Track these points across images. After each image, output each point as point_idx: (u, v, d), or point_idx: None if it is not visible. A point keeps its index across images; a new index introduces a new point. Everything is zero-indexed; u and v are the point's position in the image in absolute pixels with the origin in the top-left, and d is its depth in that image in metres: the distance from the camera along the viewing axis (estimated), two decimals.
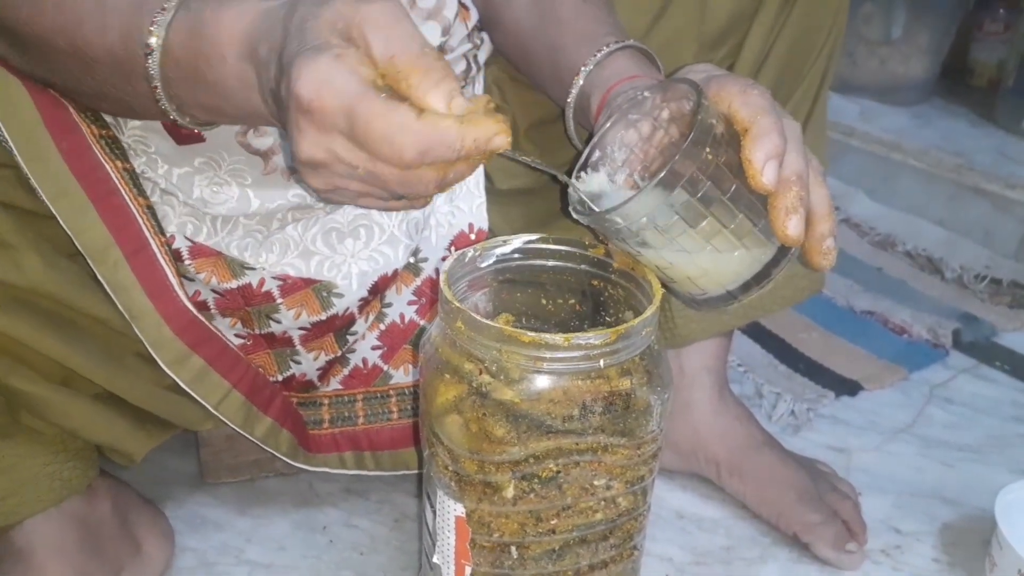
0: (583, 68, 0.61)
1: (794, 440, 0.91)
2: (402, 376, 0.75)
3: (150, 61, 0.49)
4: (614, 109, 0.57)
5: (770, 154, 0.49)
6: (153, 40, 0.49)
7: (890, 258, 1.31)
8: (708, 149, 0.49)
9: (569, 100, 0.63)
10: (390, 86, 0.44)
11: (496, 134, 0.44)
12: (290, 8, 0.46)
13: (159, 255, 0.62)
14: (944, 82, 1.63)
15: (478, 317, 0.51)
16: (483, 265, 0.58)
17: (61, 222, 0.58)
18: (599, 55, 0.61)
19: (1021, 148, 1.44)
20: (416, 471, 0.78)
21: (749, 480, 0.81)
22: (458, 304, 0.52)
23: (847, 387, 1.01)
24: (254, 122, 0.53)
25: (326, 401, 0.76)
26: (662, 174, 0.49)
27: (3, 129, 0.56)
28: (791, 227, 0.50)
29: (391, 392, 0.76)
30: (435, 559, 0.58)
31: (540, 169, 0.54)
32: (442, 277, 0.54)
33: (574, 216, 0.55)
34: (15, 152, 0.56)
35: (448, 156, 0.44)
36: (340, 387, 0.75)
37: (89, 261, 0.59)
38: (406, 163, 0.43)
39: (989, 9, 1.60)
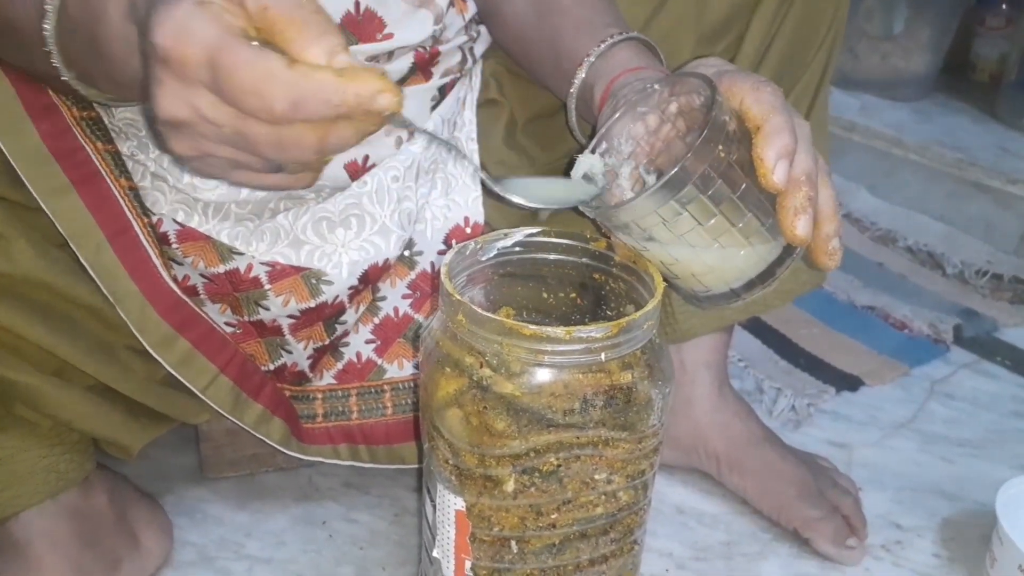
0: (586, 59, 0.61)
1: (794, 435, 0.91)
2: (396, 370, 0.75)
3: (46, 25, 0.46)
4: (620, 100, 0.57)
5: (781, 153, 0.49)
6: (48, 2, 0.46)
7: (891, 253, 1.30)
8: (721, 146, 0.49)
9: (572, 91, 0.62)
10: (265, 40, 0.40)
11: (380, 90, 0.39)
12: None
13: (142, 237, 0.62)
14: (945, 77, 1.62)
15: (479, 310, 0.51)
16: (484, 258, 0.58)
17: (41, 203, 0.58)
18: (602, 46, 0.60)
19: (1022, 144, 1.44)
20: (411, 465, 0.78)
21: (749, 475, 0.81)
22: (459, 297, 0.52)
23: (848, 382, 1.01)
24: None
25: (319, 395, 0.76)
26: (675, 170, 0.48)
27: None
28: (800, 227, 0.50)
29: (385, 387, 0.75)
30: (435, 553, 0.58)
31: (441, 140, 0.52)
32: (443, 270, 0.54)
33: (582, 209, 0.55)
34: None
35: (325, 112, 0.39)
36: (334, 381, 0.75)
37: (71, 244, 0.59)
38: (276, 116, 0.39)
39: (991, 4, 1.60)
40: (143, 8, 0.42)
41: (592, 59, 0.61)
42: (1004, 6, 1.59)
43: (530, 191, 0.53)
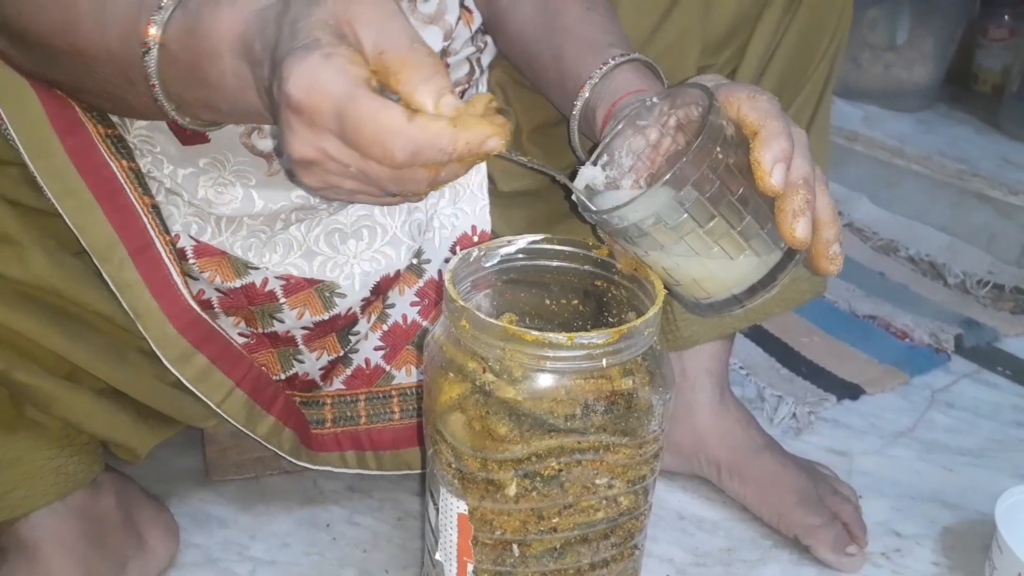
0: (589, 80, 0.61)
1: (795, 443, 0.92)
2: (404, 377, 0.76)
3: (148, 59, 0.49)
4: (621, 118, 0.58)
5: (778, 157, 0.50)
6: (150, 37, 0.48)
7: (892, 263, 1.31)
8: (719, 148, 0.50)
9: (574, 112, 0.63)
10: (381, 83, 0.44)
11: (489, 137, 0.43)
12: (284, 6, 0.45)
13: (164, 254, 0.63)
14: (948, 88, 1.63)
15: (482, 316, 0.51)
16: (487, 265, 0.59)
17: (67, 220, 0.59)
18: (604, 68, 0.61)
19: None
20: (418, 471, 0.79)
21: (750, 482, 0.81)
22: (463, 303, 0.52)
23: (849, 391, 1.01)
24: (253, 120, 0.53)
25: (329, 401, 0.76)
26: (674, 170, 0.49)
27: (10, 127, 0.56)
28: (799, 229, 0.51)
29: (393, 392, 0.76)
30: (437, 556, 0.59)
31: (538, 170, 0.54)
32: (447, 276, 0.55)
33: (584, 215, 0.55)
34: (22, 150, 0.56)
35: (439, 159, 0.43)
36: (343, 387, 0.76)
37: (94, 259, 0.60)
38: (397, 164, 0.43)
39: (994, 16, 1.60)
40: (259, 52, 0.45)
41: (595, 80, 0.61)
42: (1007, 17, 1.59)
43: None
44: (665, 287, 0.56)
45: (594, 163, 0.57)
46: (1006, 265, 1.29)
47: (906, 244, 1.33)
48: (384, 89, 0.44)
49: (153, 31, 0.48)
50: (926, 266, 1.29)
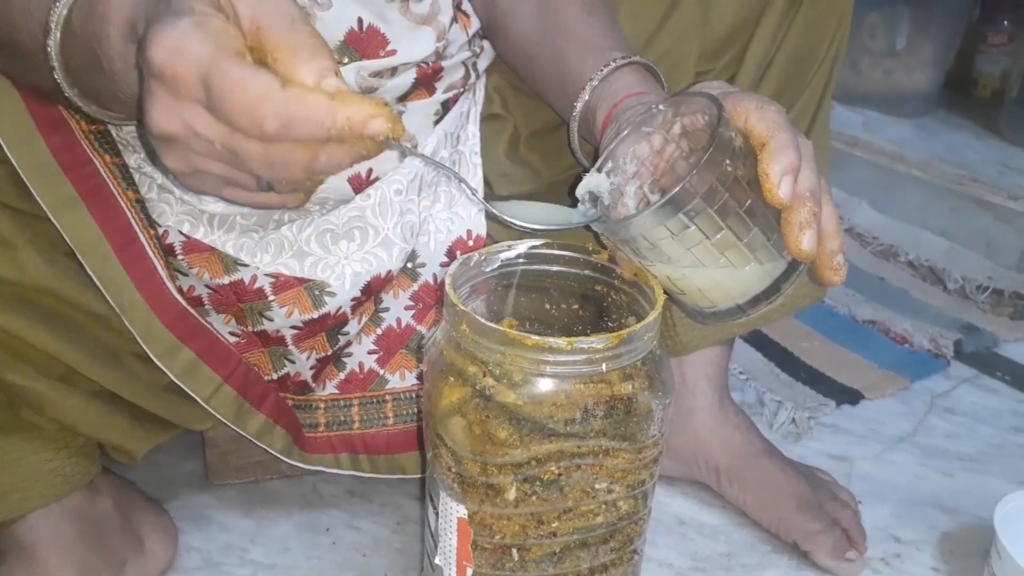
0: (589, 83, 0.62)
1: (795, 448, 0.92)
2: (398, 381, 0.76)
3: (50, 42, 0.47)
4: (624, 122, 0.58)
5: (786, 169, 0.50)
6: (53, 19, 0.46)
7: (892, 268, 1.31)
8: (728, 161, 0.50)
9: (574, 115, 0.63)
10: (259, 60, 0.41)
11: (373, 116, 0.40)
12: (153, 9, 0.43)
13: (148, 248, 0.63)
14: (948, 94, 1.63)
15: (482, 320, 0.51)
16: (487, 270, 0.59)
17: (50, 216, 0.59)
18: (605, 70, 0.61)
19: None
20: (412, 475, 0.79)
21: (749, 487, 0.81)
22: (463, 307, 0.53)
23: (848, 396, 1.01)
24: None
25: (322, 405, 0.76)
26: (684, 182, 0.49)
27: None
28: (805, 242, 0.51)
29: (387, 397, 0.76)
30: (437, 560, 0.59)
31: (441, 168, 0.52)
32: (447, 281, 0.55)
33: (591, 224, 0.55)
34: (5, 148, 0.57)
35: (316, 133, 0.40)
36: (336, 391, 0.76)
37: (78, 255, 0.60)
38: (267, 135, 0.39)
39: (993, 21, 1.61)
40: (142, 26, 0.42)
41: (595, 83, 0.61)
42: (1006, 23, 1.60)
43: (529, 214, 0.54)
44: (669, 296, 0.56)
45: (598, 169, 0.57)
46: (1005, 270, 1.29)
47: (906, 249, 1.34)
48: (260, 65, 0.41)
49: (55, 11, 0.46)
50: (926, 271, 1.29)
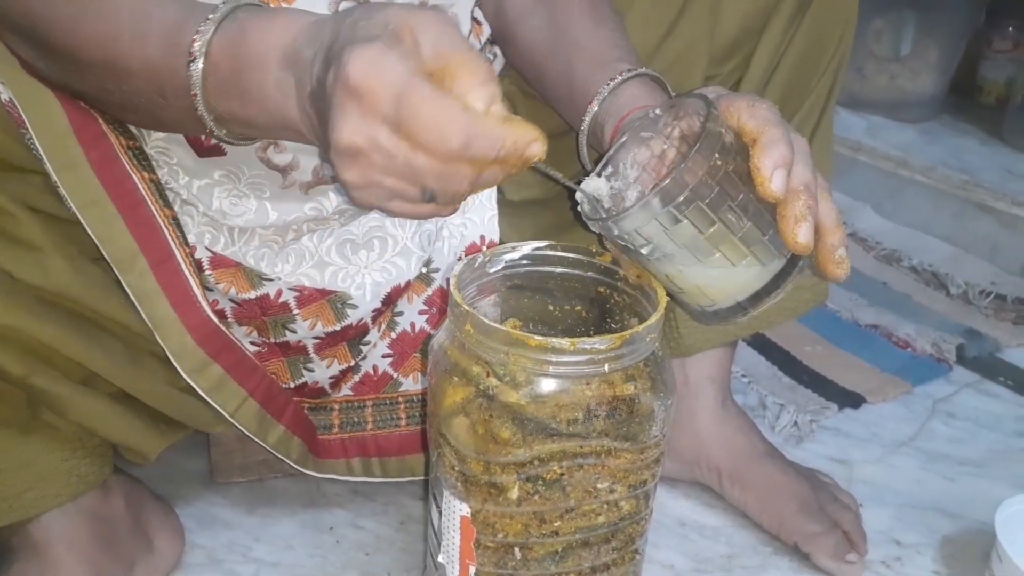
0: (597, 96, 0.62)
1: (796, 451, 0.92)
2: (411, 384, 0.76)
3: (192, 68, 0.49)
4: (623, 128, 0.59)
5: (778, 163, 0.50)
6: (197, 46, 0.49)
7: (895, 273, 1.31)
8: (717, 155, 0.50)
9: (583, 128, 0.64)
10: (437, 82, 0.45)
11: (535, 140, 0.45)
12: (343, 15, 0.47)
13: (183, 266, 0.63)
14: (953, 99, 1.63)
15: (487, 320, 0.52)
16: (492, 271, 0.59)
17: (89, 231, 0.59)
18: (612, 83, 0.61)
19: None
20: (422, 477, 0.79)
21: (751, 489, 0.82)
22: (467, 307, 0.53)
23: (850, 399, 1.01)
24: (284, 135, 0.53)
25: (336, 406, 0.77)
26: (671, 176, 0.50)
27: (34, 138, 0.57)
28: (800, 234, 0.51)
29: (400, 399, 0.77)
30: (440, 559, 0.59)
31: (565, 184, 0.54)
32: (452, 281, 0.55)
33: (587, 223, 0.56)
34: (46, 161, 0.57)
35: (488, 153, 0.44)
36: (351, 393, 0.77)
37: (115, 270, 0.60)
38: (450, 152, 0.44)
39: (998, 27, 1.61)
40: (309, 56, 0.46)
41: (603, 95, 0.62)
42: (1011, 29, 1.60)
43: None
44: (670, 295, 0.57)
45: (598, 174, 0.58)
46: (1009, 276, 1.29)
47: (909, 254, 1.34)
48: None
49: (200, 39, 0.49)
50: (929, 276, 1.30)
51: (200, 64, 0.49)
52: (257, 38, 0.48)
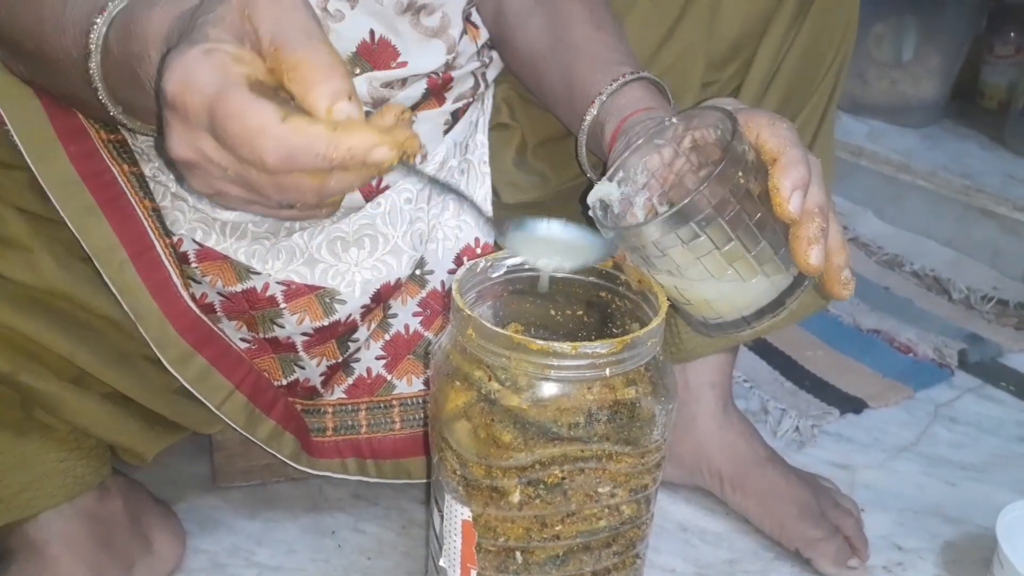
0: (598, 98, 0.62)
1: (798, 456, 0.92)
2: (405, 387, 0.76)
3: (91, 62, 0.48)
4: (635, 134, 0.59)
5: (797, 184, 0.51)
6: (92, 38, 0.47)
7: (897, 278, 1.31)
8: (740, 173, 0.51)
9: (583, 128, 0.64)
10: (280, 82, 0.41)
11: (375, 146, 0.40)
12: (199, 4, 0.43)
13: (163, 257, 0.64)
14: (954, 104, 1.63)
15: (488, 325, 0.52)
16: (494, 275, 0.59)
17: (68, 223, 0.60)
18: (614, 85, 0.62)
19: None
20: (417, 480, 0.79)
21: (752, 495, 0.82)
22: (469, 312, 0.53)
23: (852, 404, 1.01)
24: None
25: (330, 409, 0.77)
26: (697, 192, 0.50)
27: (12, 132, 0.57)
28: (813, 256, 0.51)
29: (394, 402, 0.77)
30: (441, 562, 0.60)
31: (450, 188, 0.52)
32: (454, 286, 0.56)
33: (601, 229, 0.56)
34: (25, 154, 0.58)
35: (317, 164, 0.40)
36: (344, 396, 0.77)
37: (95, 261, 0.61)
38: (270, 169, 0.40)
39: (1000, 32, 1.61)
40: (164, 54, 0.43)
41: (604, 97, 0.62)
42: (1013, 34, 1.60)
43: (537, 247, 0.54)
44: (675, 306, 0.57)
45: (609, 179, 0.58)
46: (1011, 281, 1.29)
47: (911, 259, 1.34)
48: (279, 89, 0.41)
49: (95, 31, 0.48)
50: (930, 281, 1.30)
51: (97, 56, 0.48)
52: (140, 29, 0.46)
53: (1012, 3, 1.60)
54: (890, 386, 1.05)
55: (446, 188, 0.52)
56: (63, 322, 0.62)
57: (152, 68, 0.45)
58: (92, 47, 0.48)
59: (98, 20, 0.47)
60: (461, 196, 0.53)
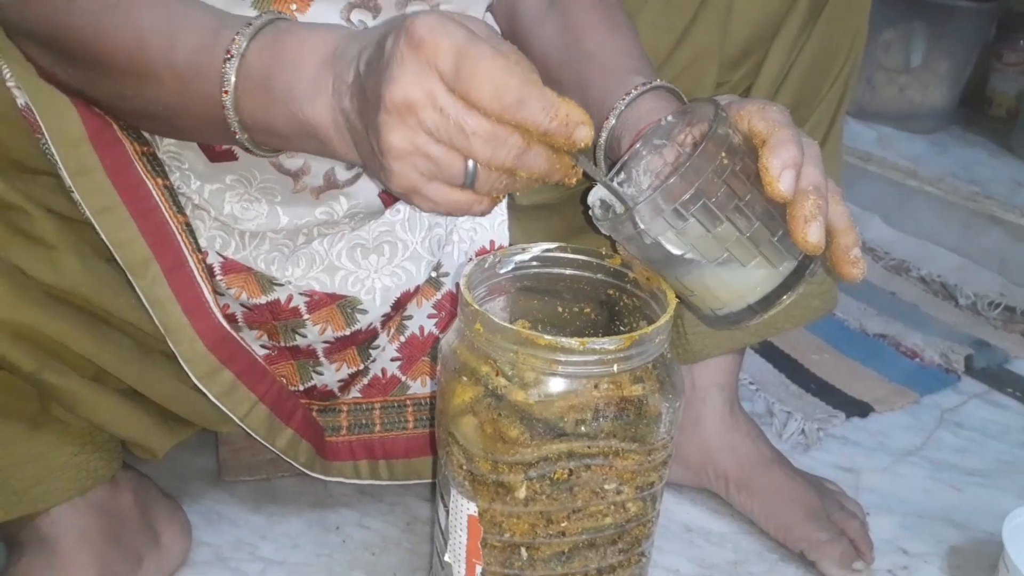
0: (613, 111, 0.61)
1: (803, 459, 0.92)
2: (419, 387, 0.77)
3: (228, 66, 0.50)
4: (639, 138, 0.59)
5: (787, 163, 0.50)
6: (235, 46, 0.50)
7: (904, 283, 1.31)
8: (723, 154, 0.50)
9: (600, 142, 0.63)
10: None
11: (583, 122, 0.46)
12: (396, 17, 0.49)
13: (196, 272, 0.64)
14: (962, 111, 1.63)
15: (496, 319, 0.52)
16: (502, 272, 0.60)
17: (102, 235, 0.60)
18: (628, 98, 0.61)
19: None
20: (428, 480, 0.79)
21: (757, 496, 0.82)
22: (477, 307, 0.53)
23: (858, 408, 1.01)
24: (301, 143, 0.53)
25: (345, 408, 0.77)
26: (677, 174, 0.50)
27: (50, 143, 0.57)
28: (811, 233, 0.50)
29: (408, 402, 0.77)
30: (447, 558, 0.60)
31: (610, 187, 0.54)
32: (462, 281, 0.56)
33: (597, 225, 0.56)
34: (60, 165, 0.58)
35: (540, 118, 0.45)
36: (359, 395, 0.77)
37: (128, 275, 0.61)
38: (503, 107, 0.44)
39: (1009, 40, 1.61)
40: (354, 53, 0.48)
41: (620, 110, 0.61)
42: (1022, 42, 1.60)
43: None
44: (681, 298, 0.57)
45: (611, 179, 0.58)
46: (1017, 287, 1.29)
47: (918, 264, 1.34)
48: None
49: (239, 42, 0.50)
50: (937, 287, 1.30)
51: (236, 63, 0.50)
52: (296, 41, 0.50)
53: (1021, 11, 1.60)
54: (896, 391, 1.05)
55: (609, 187, 0.54)
56: (85, 321, 0.62)
57: (303, 71, 0.49)
58: (235, 53, 0.50)
59: (245, 30, 0.50)
60: (623, 196, 0.54)
